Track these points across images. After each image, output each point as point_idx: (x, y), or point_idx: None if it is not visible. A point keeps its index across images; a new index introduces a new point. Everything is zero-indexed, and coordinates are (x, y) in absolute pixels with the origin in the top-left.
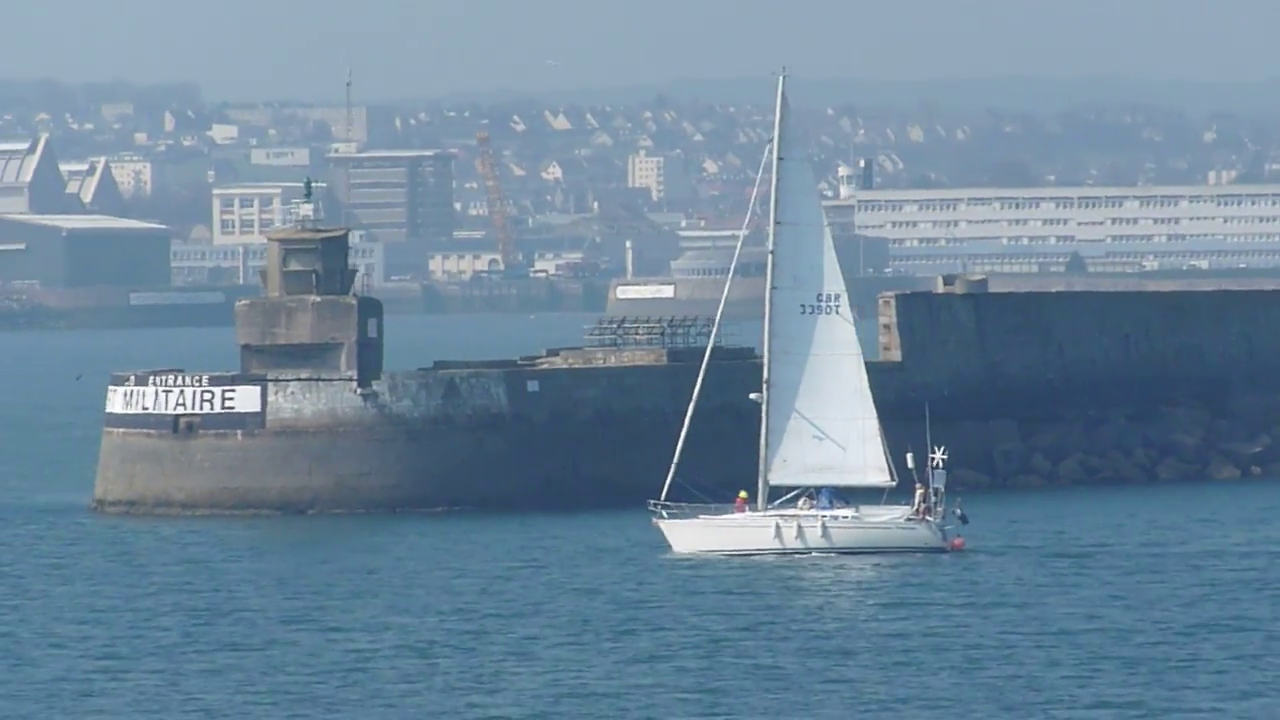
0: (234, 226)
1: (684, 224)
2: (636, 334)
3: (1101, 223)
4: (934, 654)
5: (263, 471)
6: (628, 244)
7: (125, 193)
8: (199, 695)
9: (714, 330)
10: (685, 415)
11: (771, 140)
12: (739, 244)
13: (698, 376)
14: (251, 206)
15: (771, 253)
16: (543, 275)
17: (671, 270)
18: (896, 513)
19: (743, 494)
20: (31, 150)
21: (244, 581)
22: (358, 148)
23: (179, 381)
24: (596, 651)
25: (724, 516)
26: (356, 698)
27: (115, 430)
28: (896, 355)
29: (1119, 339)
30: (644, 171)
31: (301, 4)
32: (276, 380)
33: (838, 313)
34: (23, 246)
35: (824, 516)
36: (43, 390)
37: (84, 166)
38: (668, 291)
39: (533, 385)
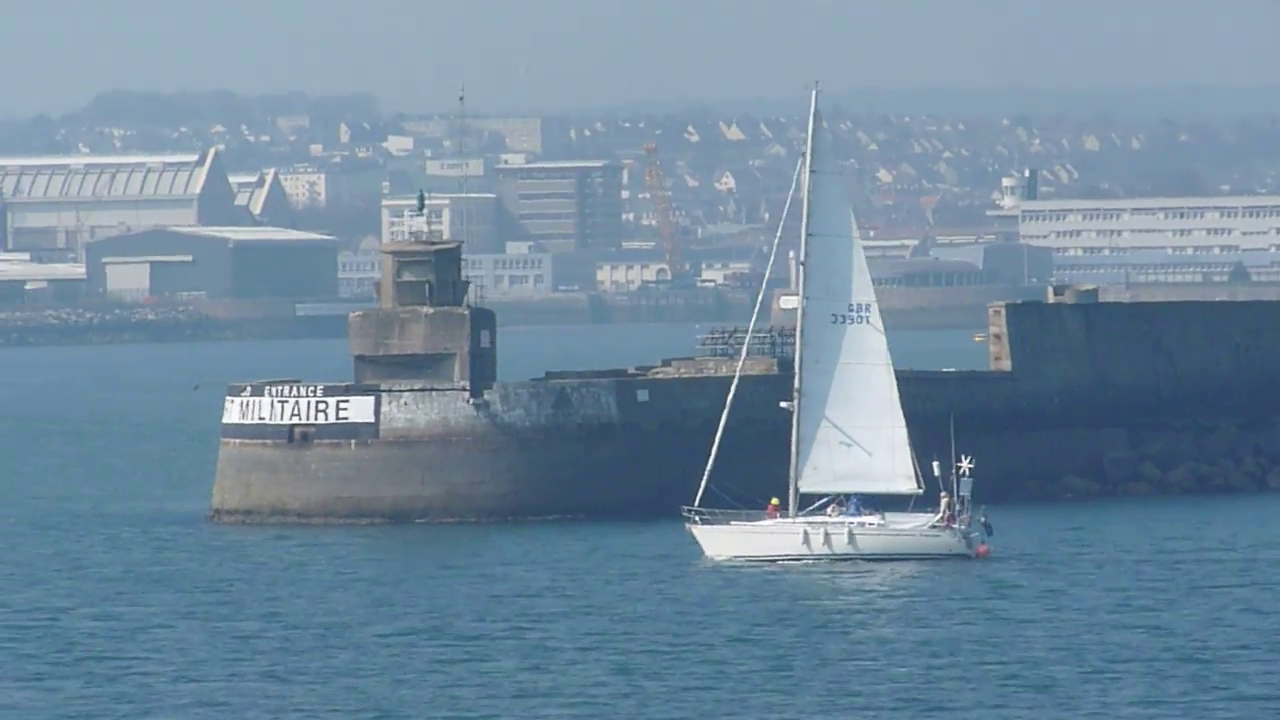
0: (403, 238)
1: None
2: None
3: (1266, 232)
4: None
5: (376, 481)
6: (790, 254)
7: (298, 204)
8: None
9: (747, 338)
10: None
11: (804, 153)
12: (908, 253)
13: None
14: (421, 218)
15: (802, 264)
16: (710, 285)
17: None
18: (921, 520)
19: (774, 500)
20: (201, 162)
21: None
22: (527, 159)
23: (294, 392)
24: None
25: (754, 523)
26: None
27: (232, 440)
28: (1007, 365)
29: (1229, 348)
30: None
31: (479, 16)
32: (390, 390)
33: (868, 322)
34: (190, 258)
35: (850, 523)
36: (194, 400)
37: (253, 178)
38: None
39: (643, 395)
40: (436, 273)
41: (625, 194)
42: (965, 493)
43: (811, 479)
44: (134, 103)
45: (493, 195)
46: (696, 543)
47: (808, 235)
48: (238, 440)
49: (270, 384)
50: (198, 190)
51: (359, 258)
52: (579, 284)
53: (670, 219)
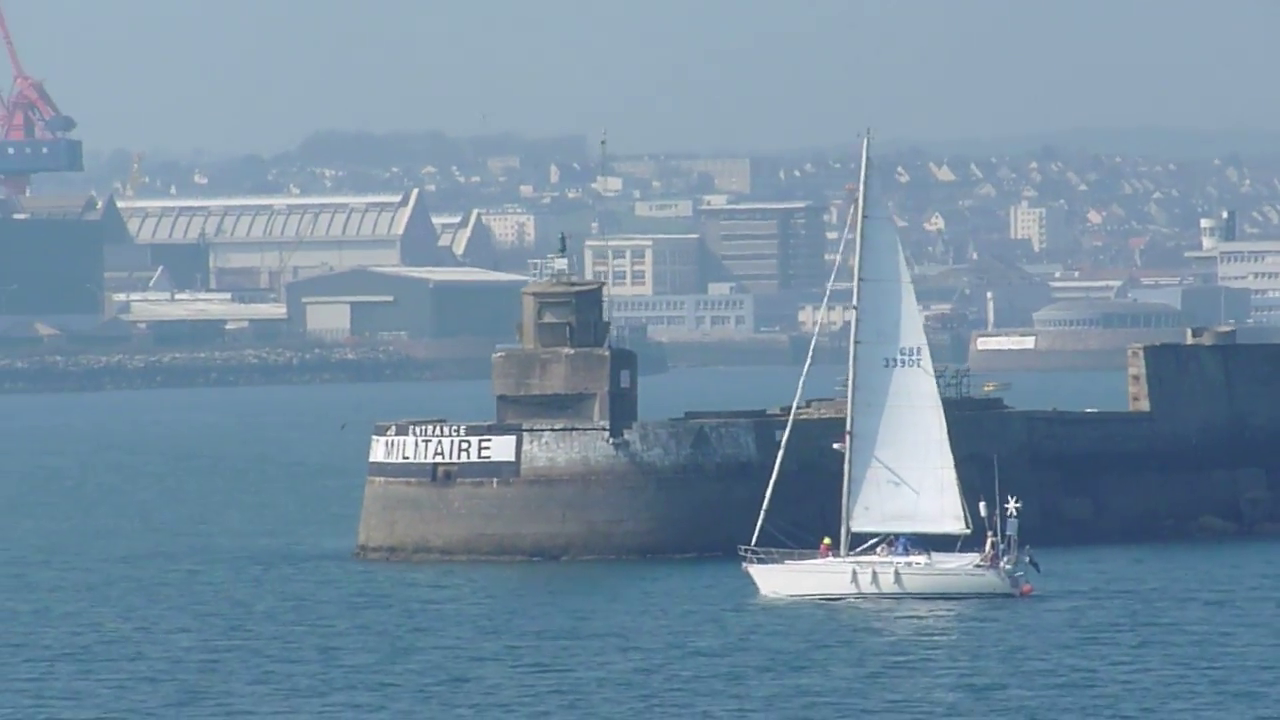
0: (606, 278)
1: (1058, 274)
2: None
3: None
4: None
5: (517, 518)
6: (988, 295)
7: (505, 245)
8: None
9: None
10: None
11: (856, 199)
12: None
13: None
14: (624, 258)
15: (854, 308)
16: None
17: (1034, 321)
18: (966, 559)
19: (826, 540)
20: (404, 203)
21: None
22: (729, 199)
23: (437, 431)
24: None
25: (806, 562)
26: None
27: (377, 479)
28: (1145, 405)
29: None
30: (1026, 222)
31: (693, 58)
32: (531, 430)
33: (919, 365)
34: (391, 299)
35: (897, 563)
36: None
37: (456, 219)
38: (1028, 343)
39: (780, 435)
40: (577, 314)
41: (833, 235)
42: (1011, 533)
43: (863, 519)
44: (345, 143)
45: (696, 235)
46: (752, 581)
47: (860, 280)
48: (383, 479)
49: (414, 423)
50: (400, 231)
51: None
52: (780, 325)
53: None
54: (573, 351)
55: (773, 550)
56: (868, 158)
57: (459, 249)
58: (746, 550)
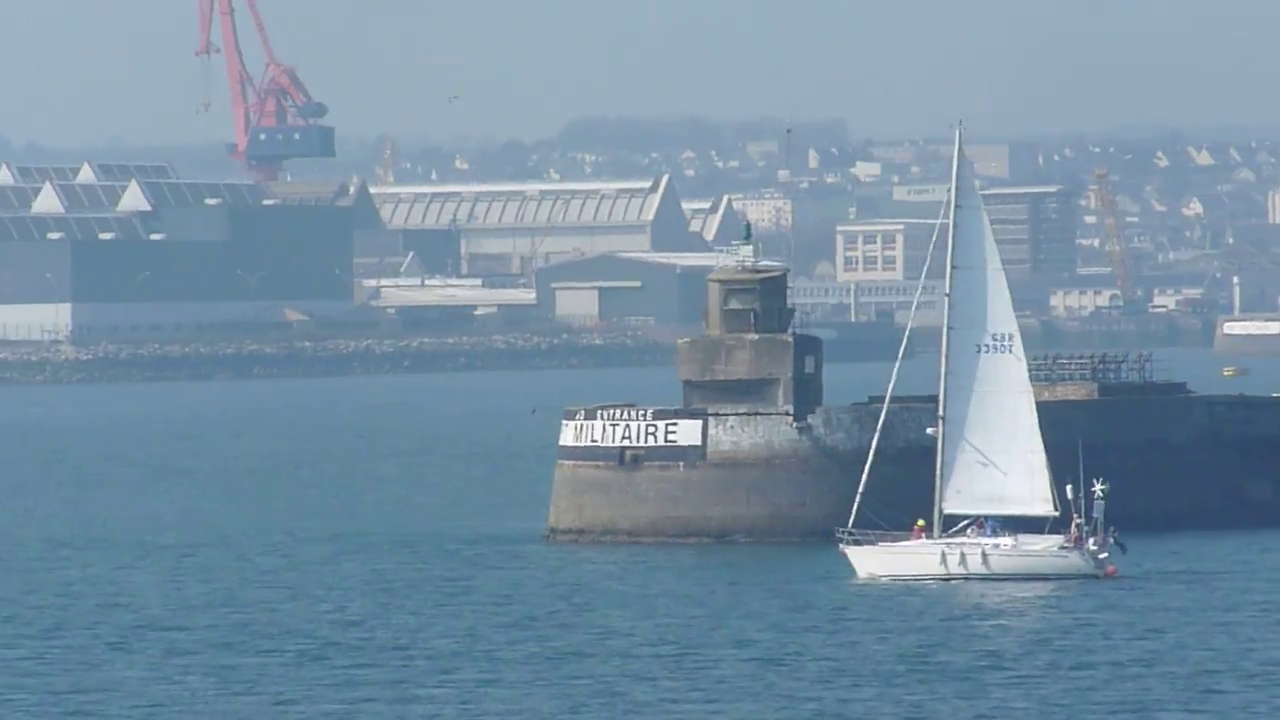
0: (857, 263)
1: None
2: (1069, 369)
3: None
4: None
5: (702, 501)
6: (1235, 279)
7: (761, 230)
8: None
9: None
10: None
11: (950, 188)
12: None
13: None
14: (874, 243)
15: (948, 295)
16: (1162, 310)
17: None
18: (1051, 541)
19: (920, 522)
20: (654, 189)
21: None
22: (982, 184)
23: (625, 416)
24: None
25: (898, 544)
26: None
27: (566, 463)
28: None
29: None
30: None
31: (951, 38)
32: (716, 414)
33: (1010, 351)
34: (639, 284)
35: (985, 544)
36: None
37: (706, 204)
38: (1274, 328)
39: None
40: (762, 300)
41: (1091, 219)
42: (1098, 515)
43: (955, 501)
44: (606, 129)
45: (947, 221)
46: (849, 562)
47: (952, 268)
48: (572, 462)
49: (603, 408)
50: (650, 216)
51: (812, 283)
52: (1030, 309)
53: (1122, 244)
54: (757, 337)
55: (868, 531)
56: (960, 148)
57: (709, 234)
58: (843, 532)
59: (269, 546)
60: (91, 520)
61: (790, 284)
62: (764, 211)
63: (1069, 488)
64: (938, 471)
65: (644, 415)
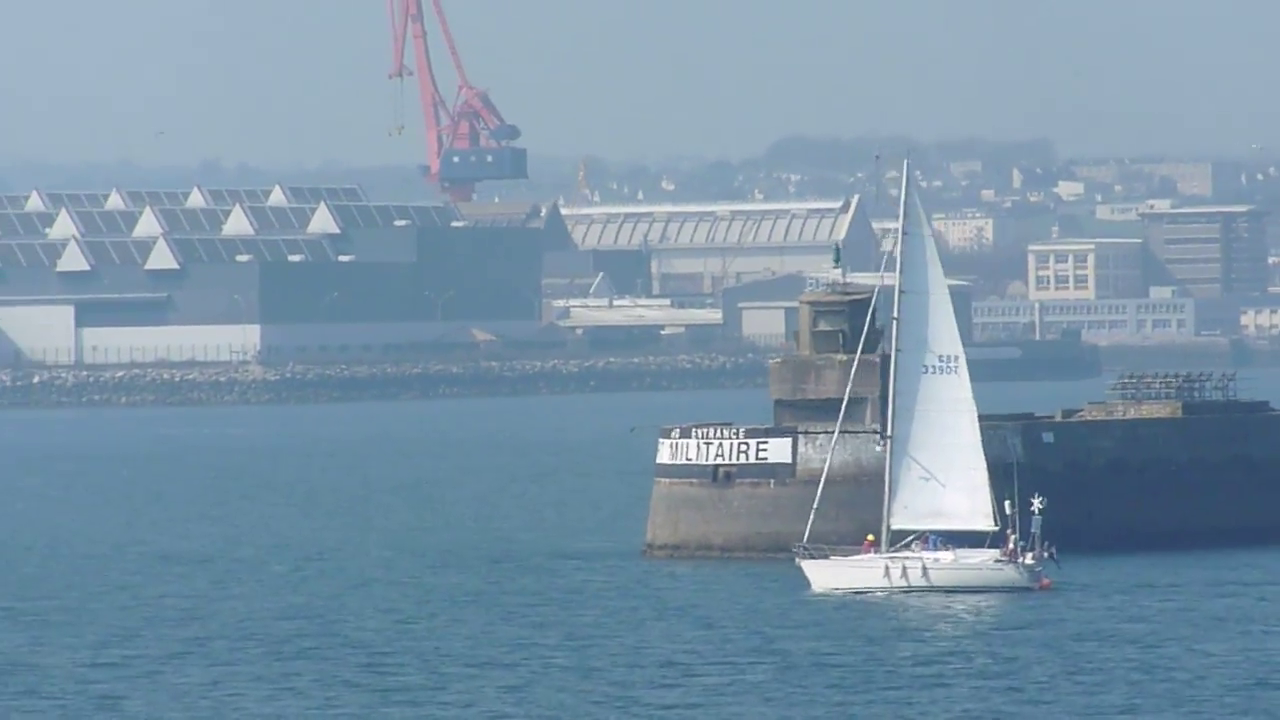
0: (1049, 282)
1: None
2: (1153, 387)
3: None
4: None
5: (793, 517)
6: None
7: (960, 249)
8: None
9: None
10: (1198, 465)
11: (898, 216)
12: None
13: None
14: (1066, 263)
15: (896, 319)
16: None
17: None
18: (988, 555)
19: (870, 537)
20: (845, 209)
21: None
22: (1172, 203)
23: (718, 434)
24: None
25: (847, 558)
26: None
27: (663, 480)
28: None
29: None
30: None
31: (1157, 63)
32: (806, 433)
33: (955, 372)
34: None
35: (925, 558)
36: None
37: (895, 225)
38: None
39: (1047, 436)
40: (850, 322)
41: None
42: (1035, 530)
43: (901, 517)
44: (812, 148)
45: (1139, 240)
46: (804, 576)
47: (900, 292)
48: (668, 480)
49: (697, 426)
50: (841, 235)
51: (1004, 302)
52: (1221, 328)
53: None
54: (845, 358)
55: (822, 546)
56: (908, 176)
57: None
58: (799, 546)
59: (380, 562)
60: (229, 537)
61: (975, 302)
62: (964, 231)
63: (1006, 504)
64: (886, 488)
65: (736, 434)
